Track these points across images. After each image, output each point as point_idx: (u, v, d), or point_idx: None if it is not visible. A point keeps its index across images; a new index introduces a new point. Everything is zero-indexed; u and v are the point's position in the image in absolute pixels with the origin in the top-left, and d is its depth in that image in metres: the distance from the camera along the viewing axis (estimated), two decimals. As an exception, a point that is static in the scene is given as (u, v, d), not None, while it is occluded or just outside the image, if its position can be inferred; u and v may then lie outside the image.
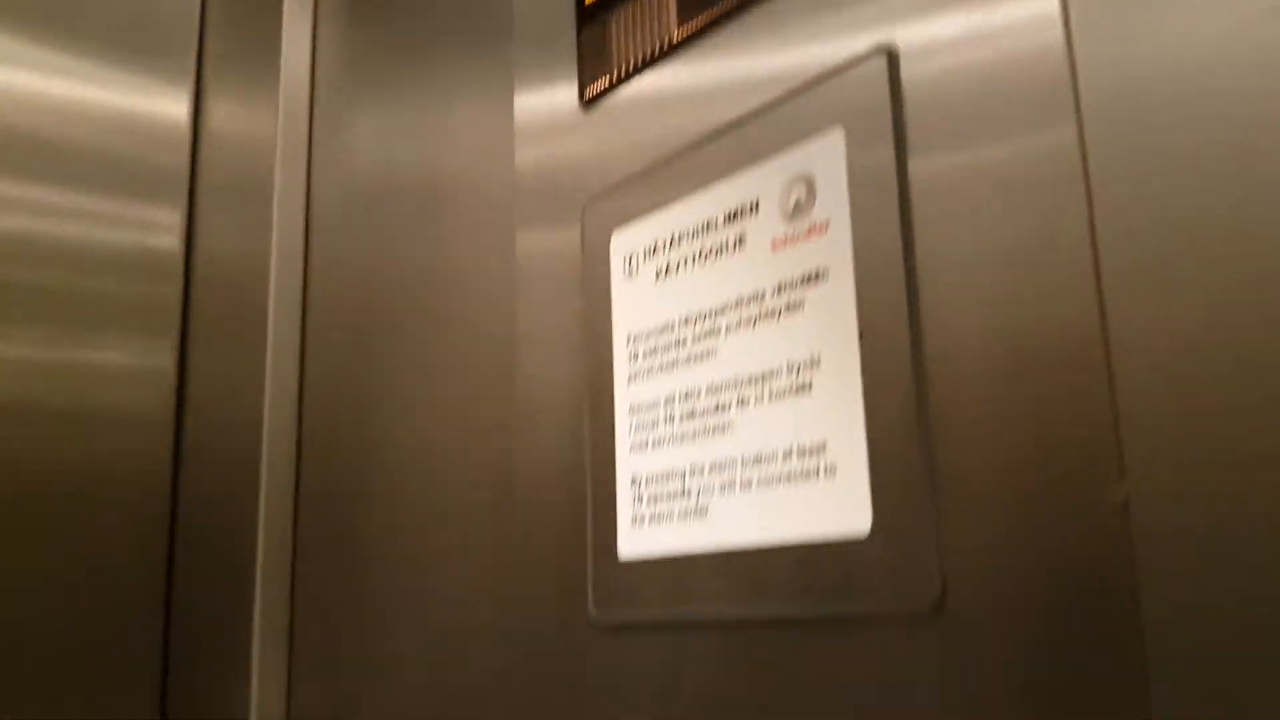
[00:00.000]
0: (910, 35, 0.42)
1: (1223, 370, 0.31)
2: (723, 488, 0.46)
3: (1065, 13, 0.37)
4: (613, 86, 0.57)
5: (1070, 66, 0.37)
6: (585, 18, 0.59)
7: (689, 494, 0.48)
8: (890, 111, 0.42)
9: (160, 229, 0.99)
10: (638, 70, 0.55)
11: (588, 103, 0.58)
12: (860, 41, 0.44)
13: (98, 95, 1.00)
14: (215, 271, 0.98)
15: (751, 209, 0.47)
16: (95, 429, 0.94)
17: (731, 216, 0.48)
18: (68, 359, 0.94)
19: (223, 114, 1.03)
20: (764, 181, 0.47)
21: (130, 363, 0.97)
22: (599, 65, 0.57)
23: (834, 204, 0.44)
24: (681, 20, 0.53)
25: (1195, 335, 0.32)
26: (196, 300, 0.99)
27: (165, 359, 0.97)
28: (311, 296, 0.88)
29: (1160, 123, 0.34)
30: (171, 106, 1.02)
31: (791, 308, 0.45)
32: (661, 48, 0.54)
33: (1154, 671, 0.31)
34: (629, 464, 0.51)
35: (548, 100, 0.61)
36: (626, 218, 0.54)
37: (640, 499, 0.50)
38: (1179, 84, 0.34)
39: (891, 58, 0.42)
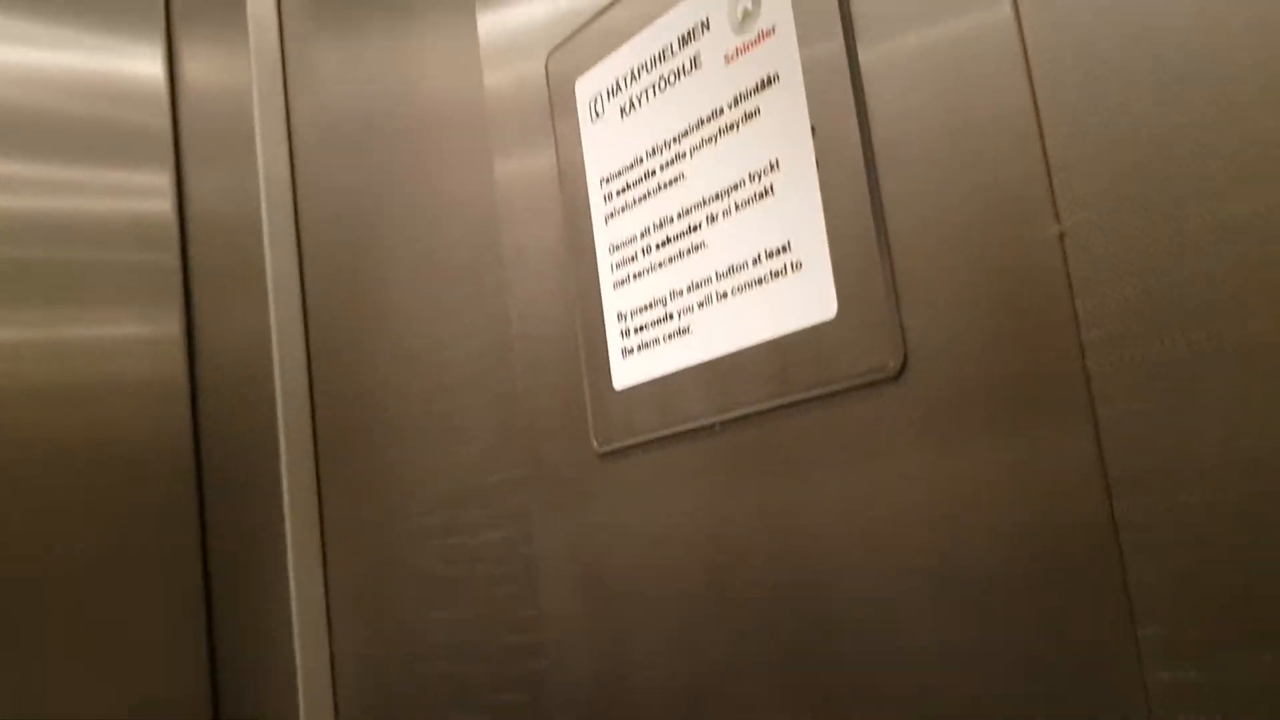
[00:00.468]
0: None
1: (1146, 108, 0.32)
2: (701, 304, 0.48)
3: None
4: (562, -66, 0.57)
5: None
6: None
7: (671, 317, 0.50)
8: (823, -94, 0.42)
9: (150, 194, 0.99)
10: (584, -88, 0.55)
11: None
12: None
13: (70, 60, 0.98)
14: (209, 230, 0.97)
15: (703, 27, 0.48)
16: (111, 402, 0.95)
17: (685, 39, 0.49)
18: (74, 335, 0.94)
19: (197, 67, 1.01)
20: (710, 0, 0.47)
21: (138, 332, 0.97)
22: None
23: (779, 7, 0.44)
24: None
25: (1118, 86, 0.33)
26: (195, 264, 0.99)
27: (172, 325, 0.98)
28: (304, 235, 0.88)
29: None
30: (145, 65, 1.01)
31: (749, 116, 0.46)
32: (604, -114, 0.54)
33: (1098, 394, 0.33)
34: (614, 300, 0.53)
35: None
36: (588, 62, 0.55)
37: (628, 331, 0.52)
38: None
39: None
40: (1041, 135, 0.35)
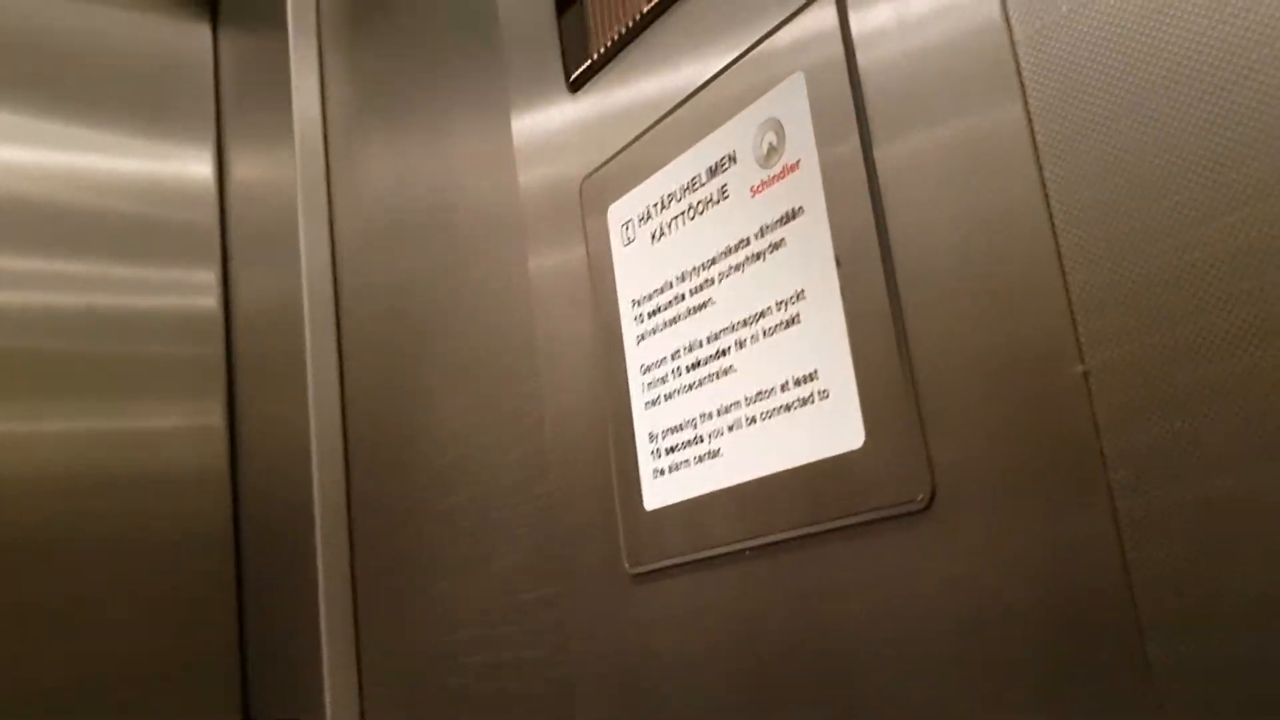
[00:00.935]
0: (855, -26, 0.44)
1: (1167, 246, 0.33)
2: (730, 428, 0.48)
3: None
4: (594, 67, 0.59)
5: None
6: (563, 7, 0.61)
7: (701, 440, 0.50)
8: (843, 52, 0.44)
9: (198, 289, 1.03)
10: (615, 49, 0.58)
11: (573, 84, 0.61)
12: (810, -13, 0.46)
13: (124, 163, 1.03)
14: (253, 324, 1.01)
15: (730, 160, 0.50)
16: (155, 491, 0.97)
17: (713, 170, 0.51)
18: (121, 427, 0.97)
19: (244, 166, 1.06)
20: (738, 132, 0.49)
21: (182, 424, 1.00)
22: (580, 50, 0.60)
23: (802, 143, 0.46)
24: (649, -6, 0.55)
25: (1135, 218, 0.33)
26: (239, 356, 1.02)
27: (215, 416, 1.01)
28: (345, 330, 0.90)
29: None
30: (196, 166, 1.07)
31: (774, 247, 0.47)
32: (633, 24, 0.56)
33: (1125, 521, 0.33)
34: (645, 421, 0.54)
35: (540, 95, 0.64)
36: (620, 189, 0.57)
37: (659, 452, 0.53)
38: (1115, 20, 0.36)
39: (840, 2, 0.44)
40: (1064, 274, 0.35)
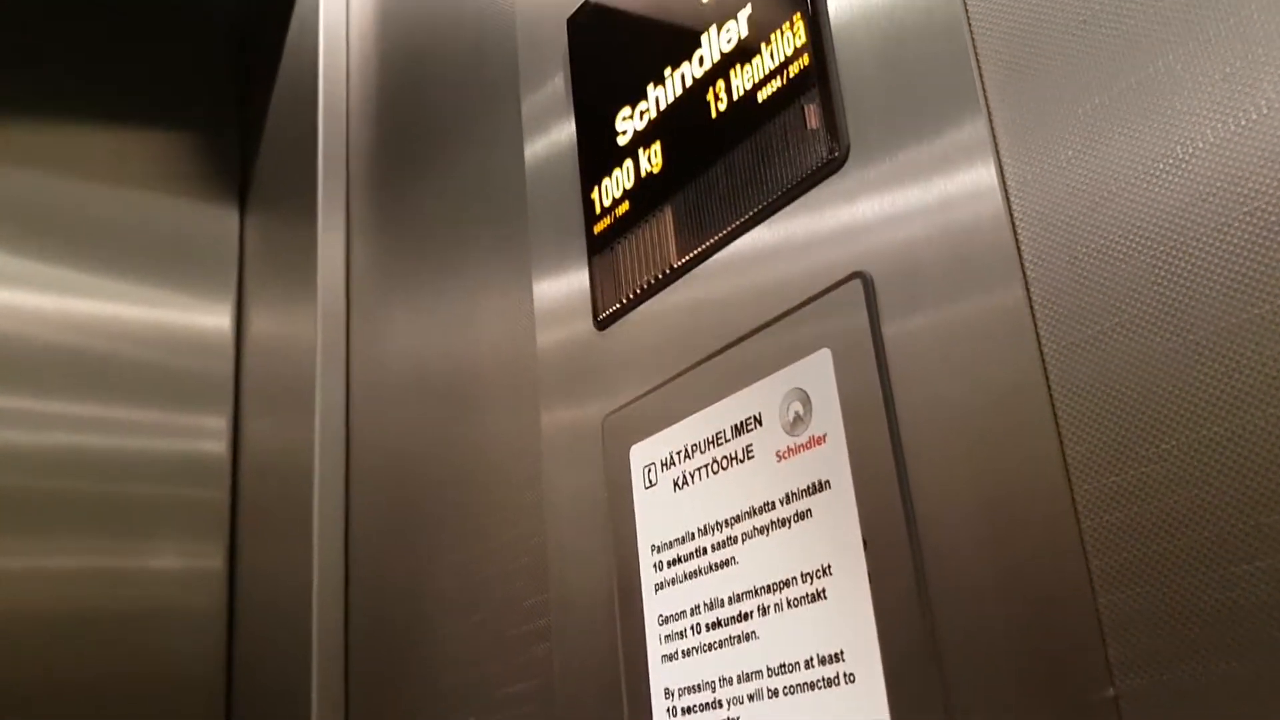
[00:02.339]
0: (881, 261, 0.46)
1: (1199, 578, 0.33)
2: (751, 697, 0.48)
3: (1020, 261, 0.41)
4: (622, 309, 0.61)
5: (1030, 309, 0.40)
6: (595, 247, 0.64)
7: (720, 705, 0.49)
8: (869, 331, 0.45)
9: (208, 435, 1.07)
10: (643, 296, 0.59)
11: (601, 323, 0.63)
12: (836, 266, 0.48)
13: (145, 313, 1.08)
14: (261, 472, 1.03)
15: (756, 422, 0.50)
16: (151, 630, 0.99)
17: (738, 429, 0.51)
18: (123, 566, 0.99)
19: (263, 321, 1.10)
20: (764, 397, 0.50)
21: (182, 565, 1.02)
22: (609, 291, 0.62)
23: (829, 418, 0.47)
24: (680, 249, 0.57)
25: (1162, 513, 0.34)
26: (243, 502, 1.04)
27: (215, 560, 1.03)
28: (353, 490, 0.91)
29: (1098, 270, 0.37)
30: (215, 319, 1.12)
31: (800, 516, 0.47)
32: (663, 274, 0.58)
33: None
34: (661, 675, 0.53)
35: (565, 323, 0.66)
36: (643, 432, 0.58)
37: (675, 710, 0.52)
38: (1111, 233, 0.37)
39: (866, 282, 0.46)
40: (1094, 594, 0.35)
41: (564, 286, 0.66)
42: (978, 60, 0.43)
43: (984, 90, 0.43)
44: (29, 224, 1.05)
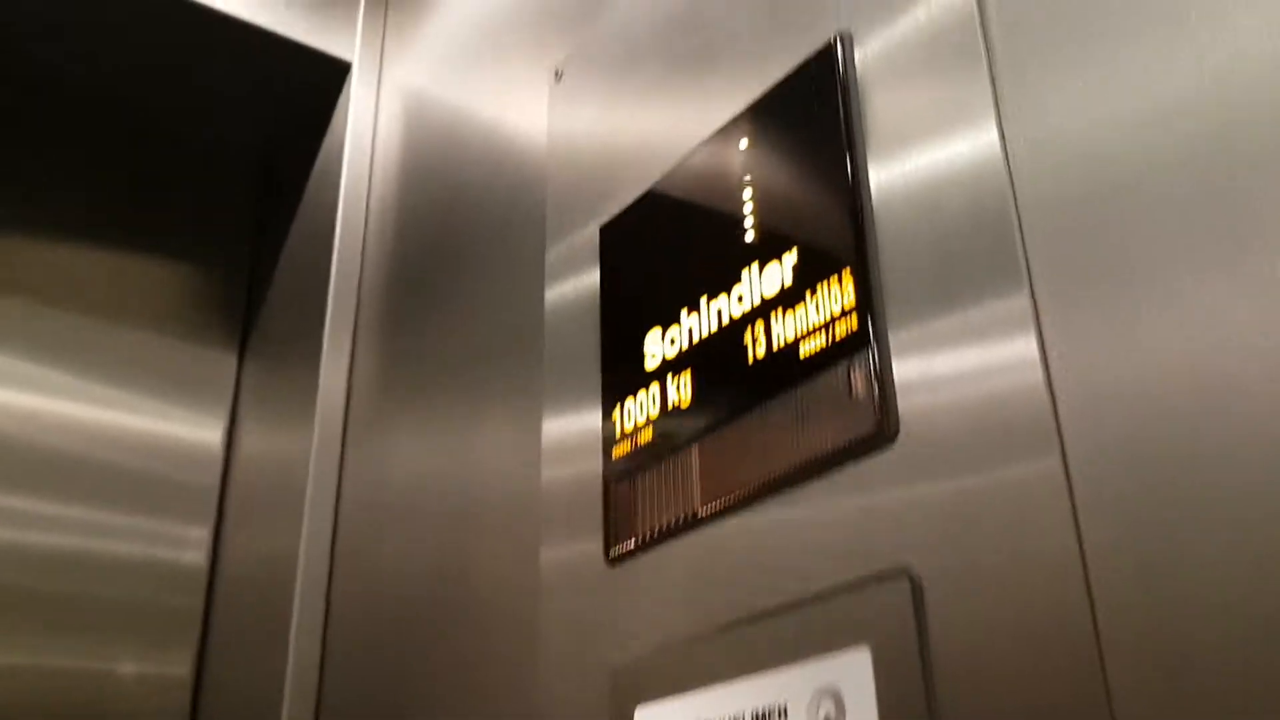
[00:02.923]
0: (929, 556, 0.42)
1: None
2: None
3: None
4: (638, 549, 0.57)
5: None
6: (613, 473, 0.60)
7: None
8: (915, 637, 0.41)
9: (189, 544, 1.07)
10: (661, 538, 0.55)
11: (613, 560, 0.58)
12: (879, 555, 0.44)
13: (138, 422, 1.09)
14: (238, 585, 1.03)
15: (780, 714, 0.45)
16: None
17: (760, 718, 0.46)
18: (91, 667, 0.99)
19: (256, 439, 1.10)
20: (791, 688, 0.45)
21: (150, 671, 1.02)
22: (624, 526, 0.58)
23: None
24: (705, 495, 0.53)
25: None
26: (216, 612, 1.05)
27: (183, 667, 1.03)
28: (334, 609, 0.89)
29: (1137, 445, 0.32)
30: (206, 433, 1.12)
31: (826, 839, 0.42)
32: (685, 518, 0.54)
33: None
34: None
35: (572, 464, 0.62)
36: (652, 694, 0.52)
37: None
38: (1151, 408, 0.36)
39: (914, 582, 0.42)
40: None
41: (574, 429, 0.64)
42: (1048, 374, 0.40)
43: (1050, 384, 0.40)
44: (30, 331, 1.07)
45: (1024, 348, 0.41)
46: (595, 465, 0.61)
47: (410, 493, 0.83)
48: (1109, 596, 0.36)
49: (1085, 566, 0.37)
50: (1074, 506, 0.38)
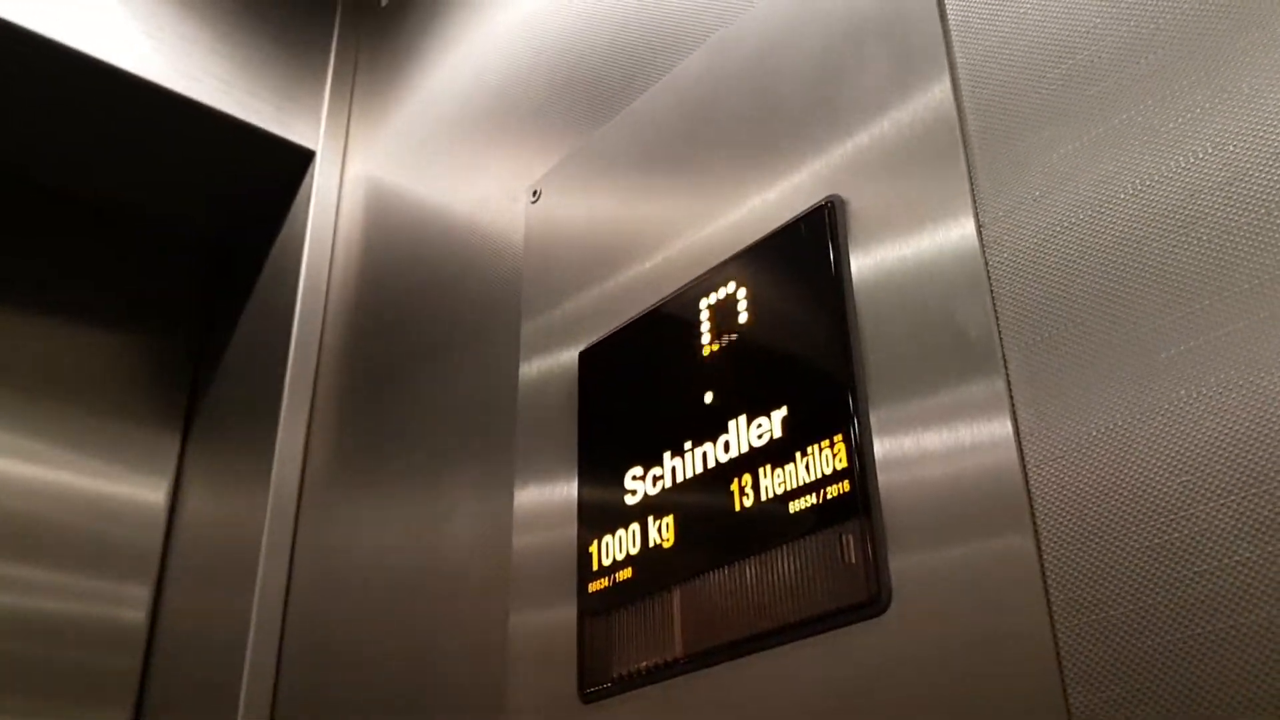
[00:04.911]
0: (922, 729, 0.43)
1: None
2: None
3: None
4: (613, 689, 0.56)
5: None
6: (589, 608, 0.60)
7: None
8: (908, 812, 0.42)
9: (128, 603, 1.06)
10: (639, 681, 0.55)
11: (587, 697, 0.58)
12: (871, 723, 0.44)
13: (81, 481, 1.08)
14: (179, 644, 1.02)
15: None
16: None
17: None
18: None
19: (201, 502, 1.09)
20: None
21: None
22: (600, 664, 0.58)
23: None
24: (687, 642, 0.53)
25: None
26: (154, 669, 1.04)
27: None
28: (284, 672, 0.88)
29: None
30: (148, 493, 1.11)
31: None
32: (665, 663, 0.54)
33: None
34: None
35: (543, 533, 0.61)
36: (628, 843, 0.52)
37: None
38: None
39: None
40: None
41: (547, 503, 0.65)
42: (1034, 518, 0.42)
43: (1038, 542, 0.41)
44: None
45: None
46: (568, 568, 0.62)
47: (367, 565, 0.83)
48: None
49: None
50: (1064, 683, 0.39)
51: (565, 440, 0.66)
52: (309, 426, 0.98)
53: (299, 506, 0.95)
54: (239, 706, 0.86)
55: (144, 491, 1.12)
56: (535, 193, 0.79)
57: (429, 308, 0.89)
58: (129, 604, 1.08)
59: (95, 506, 1.09)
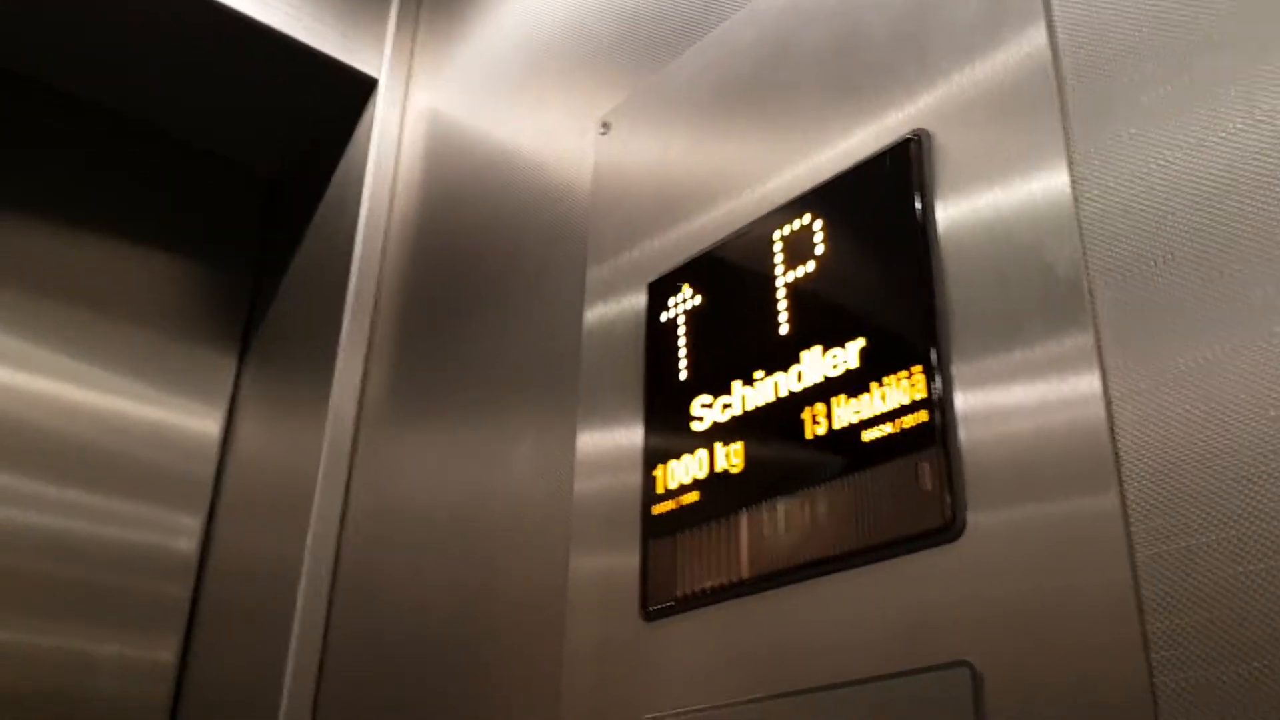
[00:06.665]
0: (990, 653, 0.44)
1: None
2: None
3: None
4: (676, 608, 0.58)
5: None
6: (652, 529, 0.61)
7: None
8: (975, 728, 0.43)
9: (179, 532, 1.10)
10: (702, 600, 0.57)
11: (650, 615, 0.59)
12: (937, 646, 0.46)
13: (136, 409, 1.11)
14: (230, 577, 1.05)
15: (826, 789, 0.47)
16: (93, 714, 1.00)
17: (804, 790, 0.48)
18: (72, 647, 1.01)
19: (255, 435, 1.11)
20: (840, 764, 0.47)
21: (134, 654, 1.04)
22: (663, 583, 0.59)
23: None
24: (752, 563, 0.55)
25: None
26: (204, 599, 1.07)
27: (168, 653, 1.05)
28: (336, 610, 0.89)
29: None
30: (204, 424, 1.14)
31: None
32: (729, 583, 0.55)
33: None
34: None
35: (605, 478, 0.63)
36: (687, 754, 0.54)
37: None
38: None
39: (975, 676, 0.44)
40: None
41: (609, 444, 0.66)
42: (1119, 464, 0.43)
43: (1121, 482, 0.42)
44: (36, 318, 1.07)
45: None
46: (632, 508, 0.63)
47: (424, 500, 0.84)
48: (1172, 696, 0.38)
49: (1149, 656, 0.39)
50: (1139, 601, 0.40)
51: (631, 374, 0.67)
52: (367, 360, 0.99)
53: (355, 440, 0.96)
54: (290, 639, 0.88)
55: (198, 420, 1.15)
56: (605, 125, 0.79)
57: (493, 241, 0.89)
58: (182, 532, 1.11)
59: (150, 433, 1.11)
